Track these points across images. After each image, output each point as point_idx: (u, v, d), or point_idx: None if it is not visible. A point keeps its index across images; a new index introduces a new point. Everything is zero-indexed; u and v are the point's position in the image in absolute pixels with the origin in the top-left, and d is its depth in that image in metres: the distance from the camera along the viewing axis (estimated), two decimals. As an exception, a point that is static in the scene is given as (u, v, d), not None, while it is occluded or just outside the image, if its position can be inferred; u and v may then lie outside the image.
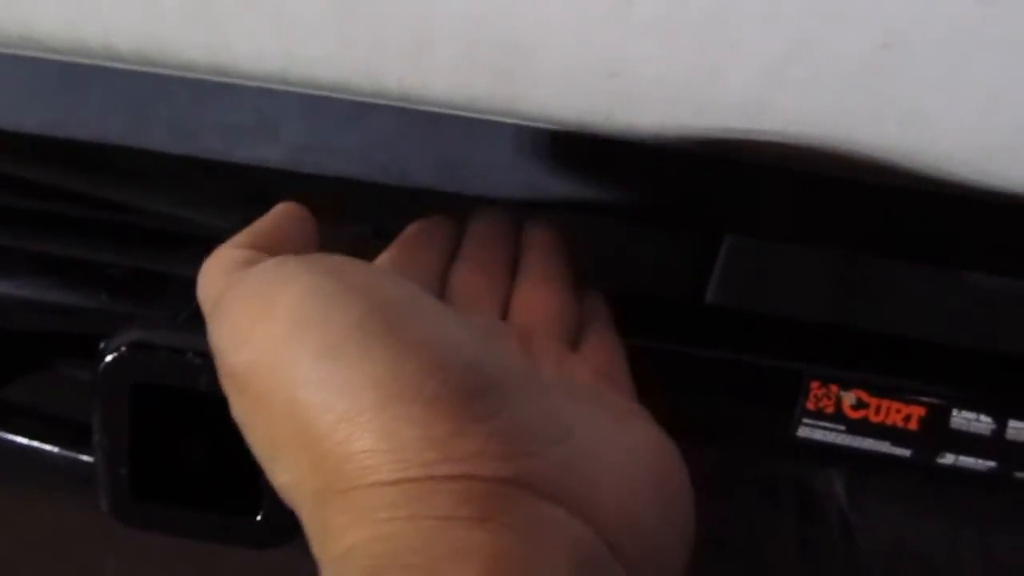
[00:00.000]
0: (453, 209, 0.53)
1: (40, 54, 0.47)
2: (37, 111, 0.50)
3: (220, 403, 0.38)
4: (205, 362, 0.41)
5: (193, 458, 0.44)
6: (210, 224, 0.58)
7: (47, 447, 0.48)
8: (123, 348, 0.41)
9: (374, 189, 0.52)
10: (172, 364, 0.40)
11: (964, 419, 0.52)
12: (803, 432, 0.53)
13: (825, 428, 0.52)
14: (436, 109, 0.46)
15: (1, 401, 0.52)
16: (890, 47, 0.34)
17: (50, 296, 0.52)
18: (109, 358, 0.40)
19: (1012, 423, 0.50)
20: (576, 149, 0.48)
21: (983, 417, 0.52)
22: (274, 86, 0.47)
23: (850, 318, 0.62)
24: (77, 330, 0.53)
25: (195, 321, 0.42)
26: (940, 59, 0.35)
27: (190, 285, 0.42)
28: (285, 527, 0.43)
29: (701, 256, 0.65)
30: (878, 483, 1.04)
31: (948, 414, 0.52)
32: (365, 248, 0.46)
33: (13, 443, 0.48)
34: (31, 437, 0.48)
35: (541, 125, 0.46)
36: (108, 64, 0.47)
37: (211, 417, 0.42)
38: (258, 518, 0.43)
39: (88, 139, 0.50)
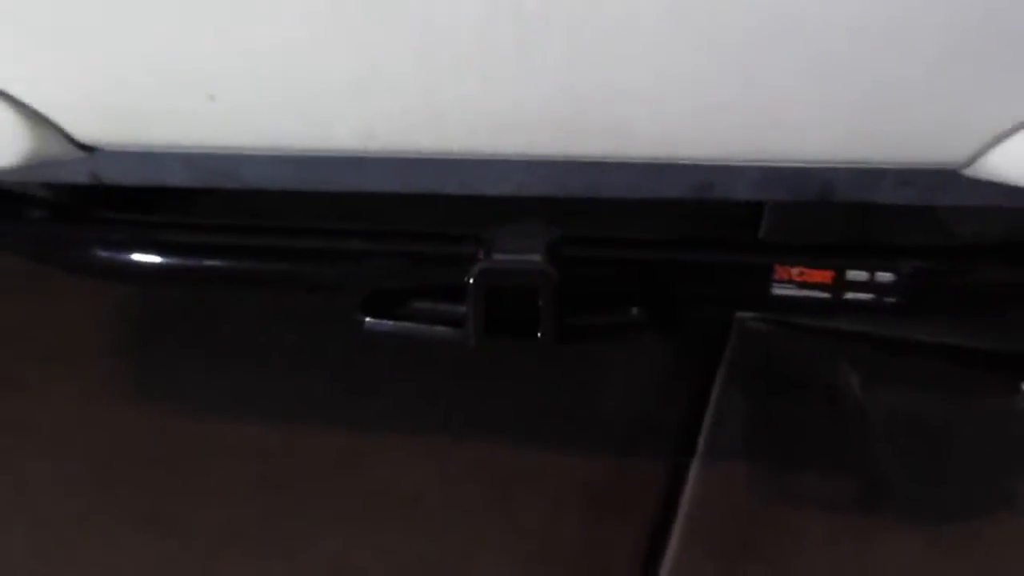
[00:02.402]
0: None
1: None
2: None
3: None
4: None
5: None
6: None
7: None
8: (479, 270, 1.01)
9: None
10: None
11: (856, 275, 1.09)
12: (776, 291, 1.10)
13: (788, 285, 1.09)
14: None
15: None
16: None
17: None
18: (477, 273, 1.00)
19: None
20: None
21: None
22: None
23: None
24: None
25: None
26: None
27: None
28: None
29: None
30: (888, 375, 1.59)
31: (844, 273, 1.09)
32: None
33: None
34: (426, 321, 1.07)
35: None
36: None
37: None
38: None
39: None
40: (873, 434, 1.57)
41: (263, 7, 0.95)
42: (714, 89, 0.96)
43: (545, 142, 1.01)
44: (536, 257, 1.03)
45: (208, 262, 1.19)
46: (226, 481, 1.42)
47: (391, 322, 1.08)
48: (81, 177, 1.17)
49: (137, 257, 1.18)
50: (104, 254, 1.20)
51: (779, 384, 1.67)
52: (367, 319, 1.08)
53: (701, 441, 1.53)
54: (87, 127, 1.07)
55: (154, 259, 1.18)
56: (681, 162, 1.05)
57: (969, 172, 1.02)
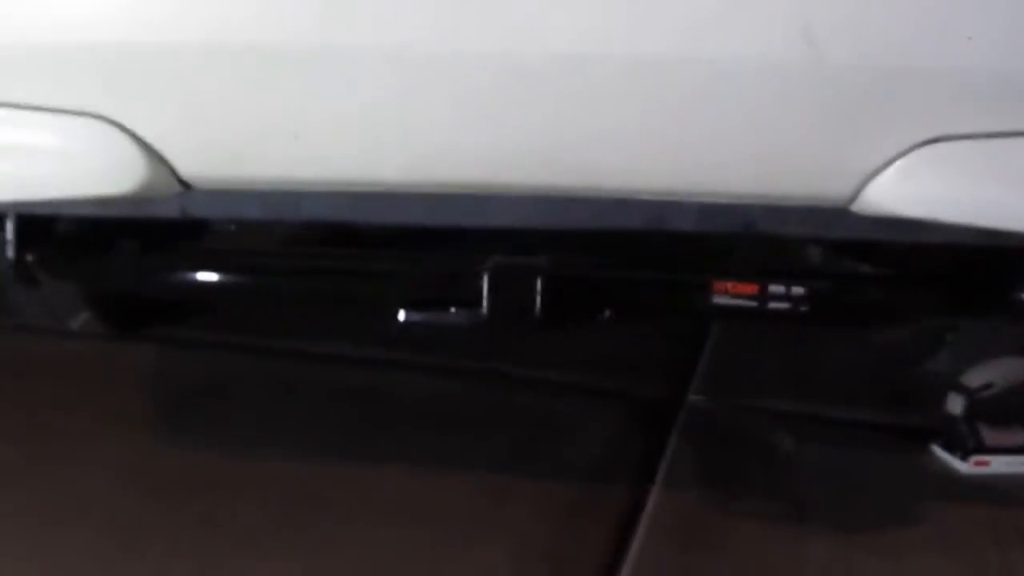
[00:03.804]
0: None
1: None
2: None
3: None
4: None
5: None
6: None
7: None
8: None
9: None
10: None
11: (776, 288, 1.43)
12: (715, 301, 1.43)
13: (724, 296, 1.42)
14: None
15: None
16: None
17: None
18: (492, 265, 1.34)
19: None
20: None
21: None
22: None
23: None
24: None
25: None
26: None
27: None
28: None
29: None
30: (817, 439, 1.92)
31: (767, 288, 1.43)
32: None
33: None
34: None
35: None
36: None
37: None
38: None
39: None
40: (801, 477, 1.87)
41: (340, 73, 1.31)
42: (660, 138, 1.33)
43: (540, 177, 1.37)
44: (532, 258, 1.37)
45: (283, 281, 1.50)
46: (258, 489, 1.67)
47: (422, 314, 1.39)
48: (172, 212, 1.48)
49: (218, 278, 1.50)
50: (193, 278, 1.51)
51: (723, 440, 1.98)
52: (402, 312, 1.39)
53: (660, 473, 1.81)
54: (191, 165, 1.41)
55: (231, 279, 1.49)
56: (640, 198, 1.40)
57: (855, 208, 1.38)
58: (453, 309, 1.38)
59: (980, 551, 1.63)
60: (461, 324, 1.37)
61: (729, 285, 1.44)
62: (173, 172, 1.40)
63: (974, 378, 1.90)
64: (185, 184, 1.42)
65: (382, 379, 2.14)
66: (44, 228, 1.60)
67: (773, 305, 1.44)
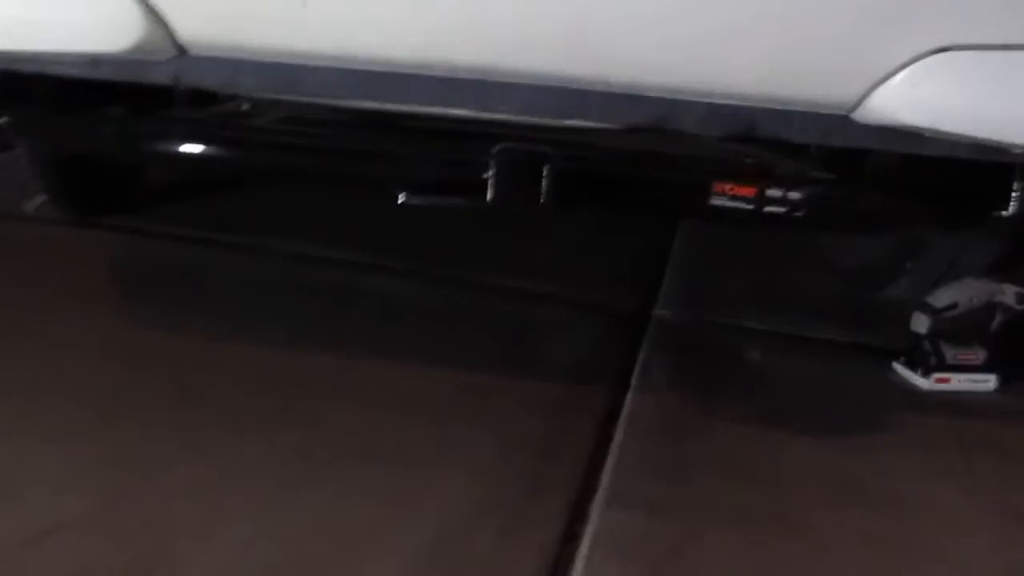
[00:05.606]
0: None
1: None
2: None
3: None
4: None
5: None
6: None
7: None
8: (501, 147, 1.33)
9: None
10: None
11: (773, 192, 1.44)
12: (713, 201, 1.44)
13: (722, 197, 1.44)
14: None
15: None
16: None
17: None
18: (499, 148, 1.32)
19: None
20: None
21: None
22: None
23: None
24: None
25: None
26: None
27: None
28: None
29: None
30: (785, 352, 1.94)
31: (765, 191, 1.44)
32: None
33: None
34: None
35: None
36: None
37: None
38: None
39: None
40: (770, 387, 1.91)
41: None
42: (667, 27, 1.32)
43: (548, 61, 1.34)
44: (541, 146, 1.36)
45: (271, 156, 1.47)
46: (239, 369, 1.66)
47: (421, 196, 1.38)
48: (163, 78, 1.43)
49: (211, 149, 1.45)
50: (185, 147, 1.46)
51: (694, 352, 2.01)
52: (402, 195, 1.37)
53: (634, 380, 1.84)
54: (190, 27, 1.35)
55: (225, 151, 1.45)
56: (646, 94, 1.39)
57: (856, 116, 1.39)
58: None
59: (944, 453, 1.69)
60: (464, 207, 1.36)
61: (728, 187, 1.45)
62: (170, 34, 1.35)
63: (940, 299, 1.95)
64: (181, 48, 1.37)
65: (358, 280, 2.12)
66: (21, 89, 1.54)
67: (769, 208, 1.46)
